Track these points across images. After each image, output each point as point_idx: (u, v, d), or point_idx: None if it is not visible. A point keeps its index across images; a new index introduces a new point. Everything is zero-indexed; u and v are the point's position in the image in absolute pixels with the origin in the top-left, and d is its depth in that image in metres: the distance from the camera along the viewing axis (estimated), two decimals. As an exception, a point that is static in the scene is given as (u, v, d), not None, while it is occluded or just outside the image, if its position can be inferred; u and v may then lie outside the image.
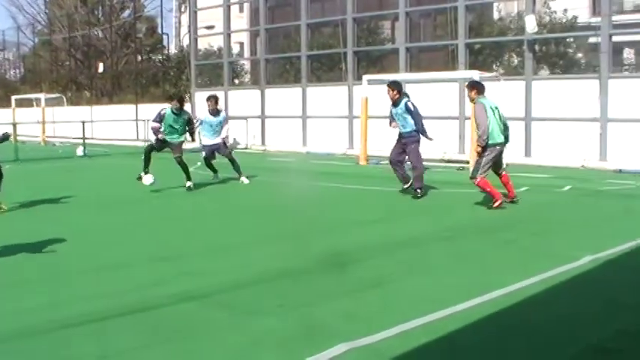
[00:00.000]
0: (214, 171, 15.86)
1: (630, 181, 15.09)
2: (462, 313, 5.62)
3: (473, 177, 11.22)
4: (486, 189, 11.17)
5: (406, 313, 5.55)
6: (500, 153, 11.45)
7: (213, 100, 15.92)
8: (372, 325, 5.29)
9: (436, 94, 21.73)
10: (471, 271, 7.19)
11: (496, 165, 11.42)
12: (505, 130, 11.43)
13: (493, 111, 11.22)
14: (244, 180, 15.27)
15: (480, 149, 11.18)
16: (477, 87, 11.56)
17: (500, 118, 11.34)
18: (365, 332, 5.09)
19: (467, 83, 12.05)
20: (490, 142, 11.09)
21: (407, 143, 12.70)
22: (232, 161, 15.54)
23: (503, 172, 11.63)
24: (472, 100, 11.51)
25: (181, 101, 14.25)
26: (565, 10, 25.14)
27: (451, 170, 17.94)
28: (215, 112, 15.75)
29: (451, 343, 5.06)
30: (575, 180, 15.26)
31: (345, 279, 6.89)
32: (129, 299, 6.11)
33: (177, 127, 14.08)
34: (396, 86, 12.92)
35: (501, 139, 11.30)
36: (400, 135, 12.91)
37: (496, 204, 10.96)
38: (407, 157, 12.94)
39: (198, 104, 31.31)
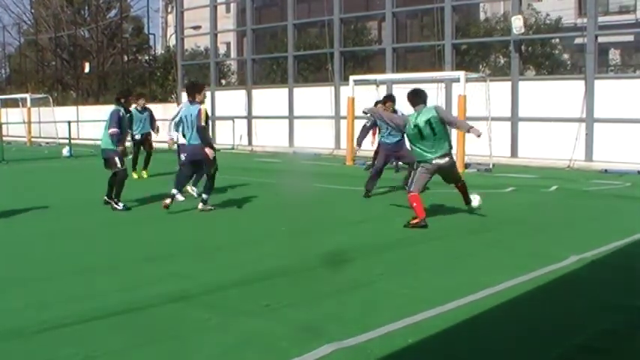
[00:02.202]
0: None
1: (615, 182, 15.17)
2: (450, 313, 5.63)
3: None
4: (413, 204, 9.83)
5: (394, 314, 5.56)
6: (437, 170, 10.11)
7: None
8: (360, 325, 5.29)
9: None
10: (459, 272, 7.21)
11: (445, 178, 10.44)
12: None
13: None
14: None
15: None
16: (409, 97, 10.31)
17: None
18: (352, 332, 5.10)
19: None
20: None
21: (398, 150, 12.85)
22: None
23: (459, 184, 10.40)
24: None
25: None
26: (548, 13, 25.27)
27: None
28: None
29: (439, 343, 5.07)
30: (561, 180, 15.33)
31: (332, 279, 6.89)
32: (115, 300, 6.09)
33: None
34: (392, 99, 13.11)
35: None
36: (386, 144, 12.95)
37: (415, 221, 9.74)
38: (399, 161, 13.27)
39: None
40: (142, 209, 11.62)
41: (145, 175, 16.60)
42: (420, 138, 9.79)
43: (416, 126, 9.80)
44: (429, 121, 9.73)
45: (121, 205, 11.24)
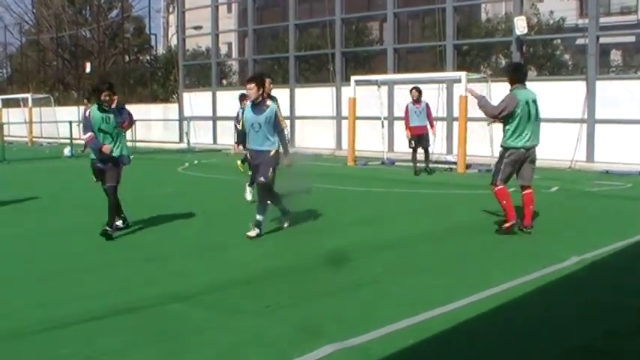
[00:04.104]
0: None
1: (617, 182, 15.15)
2: (450, 314, 5.62)
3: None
4: (502, 202, 9.18)
5: (394, 314, 5.55)
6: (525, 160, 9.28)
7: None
8: (360, 325, 5.28)
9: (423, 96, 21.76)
10: (459, 272, 7.20)
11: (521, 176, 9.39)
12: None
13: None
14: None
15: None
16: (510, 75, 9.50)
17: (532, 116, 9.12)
18: (352, 333, 5.09)
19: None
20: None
21: None
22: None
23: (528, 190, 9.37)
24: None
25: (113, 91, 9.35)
26: (551, 12, 25.27)
27: (439, 171, 17.94)
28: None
29: (439, 343, 5.06)
30: (563, 181, 15.31)
31: (332, 279, 6.88)
32: (115, 300, 6.08)
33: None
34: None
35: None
36: None
37: (506, 226, 9.13)
38: None
39: (186, 105, 31.32)
40: (142, 209, 11.61)
41: None
42: (527, 120, 9.00)
43: (527, 104, 9.00)
44: (535, 102, 9.11)
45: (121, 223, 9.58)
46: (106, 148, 8.93)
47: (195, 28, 33.45)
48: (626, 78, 22.29)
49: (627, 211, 11.58)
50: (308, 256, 7.90)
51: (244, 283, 6.73)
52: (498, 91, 19.99)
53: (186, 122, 29.38)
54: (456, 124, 19.54)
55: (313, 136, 25.70)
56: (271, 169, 9.05)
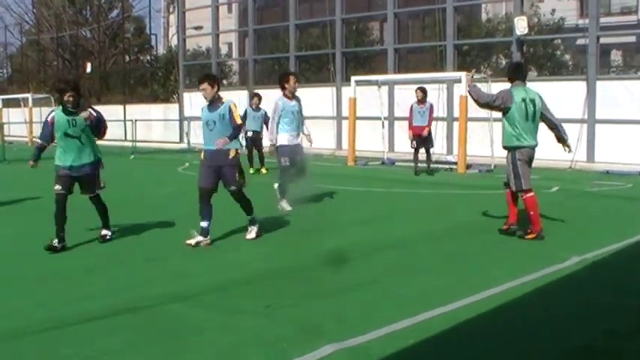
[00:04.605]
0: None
1: (617, 182, 15.15)
2: (450, 314, 5.62)
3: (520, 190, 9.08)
4: (530, 212, 8.94)
5: (394, 314, 5.55)
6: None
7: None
8: (360, 325, 5.28)
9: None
10: (459, 272, 7.20)
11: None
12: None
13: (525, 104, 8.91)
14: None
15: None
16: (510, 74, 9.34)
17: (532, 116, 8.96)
18: (353, 333, 5.09)
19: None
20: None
21: None
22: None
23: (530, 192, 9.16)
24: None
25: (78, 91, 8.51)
26: (553, 12, 25.27)
27: (439, 171, 17.94)
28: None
29: (439, 343, 5.06)
30: (563, 181, 15.30)
31: (332, 279, 6.88)
32: (116, 300, 6.09)
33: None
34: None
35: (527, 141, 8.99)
36: None
37: (531, 236, 8.81)
38: None
39: (186, 105, 31.31)
40: (142, 209, 11.61)
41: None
42: (526, 119, 8.86)
43: (524, 102, 8.84)
44: (534, 102, 8.92)
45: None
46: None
47: (196, 28, 33.44)
48: (627, 78, 22.28)
49: (627, 211, 11.58)
50: (308, 256, 7.90)
51: (244, 283, 6.72)
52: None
53: (186, 122, 29.38)
54: (456, 124, 19.54)
55: (313, 136, 25.66)
56: (237, 174, 8.76)
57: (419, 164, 16.99)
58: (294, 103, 11.46)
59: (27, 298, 6.29)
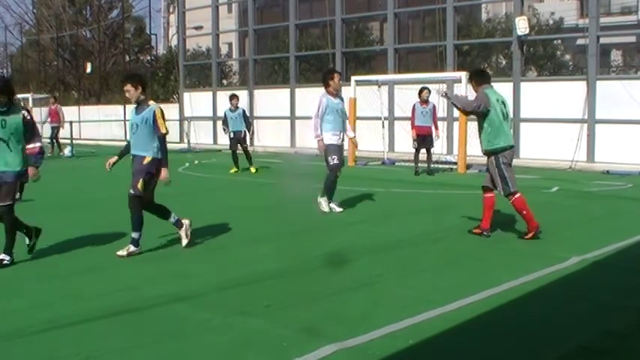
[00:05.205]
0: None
1: (617, 183, 15.15)
2: (451, 314, 5.62)
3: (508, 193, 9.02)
4: (522, 212, 8.97)
5: (395, 314, 5.55)
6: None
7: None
8: (360, 325, 5.28)
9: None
10: (460, 272, 7.20)
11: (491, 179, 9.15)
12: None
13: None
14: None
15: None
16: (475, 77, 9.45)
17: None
18: (353, 333, 5.09)
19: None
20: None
21: None
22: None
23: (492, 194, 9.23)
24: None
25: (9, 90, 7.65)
26: (552, 14, 25.28)
27: (439, 171, 17.94)
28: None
29: (439, 343, 5.07)
30: (563, 181, 15.31)
31: (333, 280, 6.89)
32: (115, 300, 6.09)
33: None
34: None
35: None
36: None
37: (529, 236, 8.82)
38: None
39: (186, 105, 31.31)
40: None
41: None
42: (504, 118, 8.85)
43: (498, 102, 8.85)
44: (504, 102, 9.00)
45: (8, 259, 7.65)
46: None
47: (196, 28, 33.46)
48: (627, 78, 22.30)
49: (627, 211, 11.57)
50: (308, 257, 7.90)
51: (244, 284, 6.72)
52: (499, 91, 20.06)
53: (186, 122, 29.41)
54: (456, 124, 19.55)
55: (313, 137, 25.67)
56: (142, 181, 7.99)
57: (419, 164, 16.98)
58: (337, 101, 11.15)
59: (27, 297, 6.29)
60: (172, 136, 32.02)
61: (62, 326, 5.39)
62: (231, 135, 17.77)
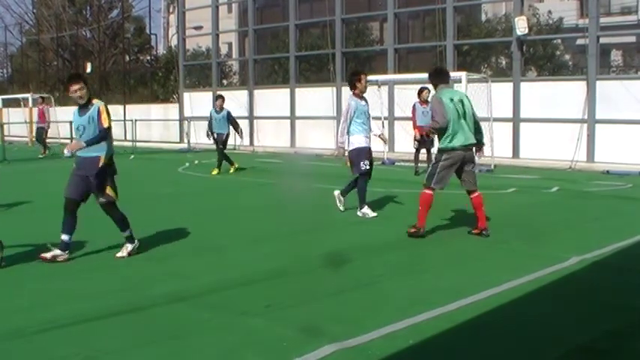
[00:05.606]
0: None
1: (617, 183, 15.15)
2: (451, 314, 5.62)
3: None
4: (420, 206, 9.05)
5: (394, 314, 5.55)
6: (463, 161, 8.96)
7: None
8: (360, 325, 5.28)
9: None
10: (460, 272, 7.20)
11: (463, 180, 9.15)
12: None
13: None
14: None
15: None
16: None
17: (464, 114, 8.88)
18: (353, 333, 5.09)
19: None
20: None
21: None
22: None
23: (476, 193, 9.14)
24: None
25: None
26: (550, 13, 25.27)
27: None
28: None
29: (439, 343, 5.07)
30: (563, 181, 15.31)
31: (333, 280, 6.88)
32: (115, 300, 6.08)
33: None
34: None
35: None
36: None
37: (412, 230, 8.98)
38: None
39: (186, 105, 31.32)
40: (142, 209, 11.61)
41: None
42: (457, 118, 8.77)
43: (452, 102, 8.80)
44: (462, 101, 8.91)
45: None
46: None
47: (196, 28, 33.47)
48: (627, 78, 22.31)
49: (627, 211, 11.58)
50: (308, 257, 7.90)
51: (244, 284, 6.72)
52: (498, 91, 20.11)
53: (186, 122, 29.41)
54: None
55: (313, 137, 25.71)
56: (109, 187, 7.81)
57: (419, 164, 16.98)
58: (364, 102, 10.83)
59: (27, 297, 6.28)
60: (172, 136, 32.15)
61: (62, 326, 5.38)
62: (215, 136, 17.64)
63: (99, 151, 7.72)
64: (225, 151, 17.77)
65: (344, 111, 10.89)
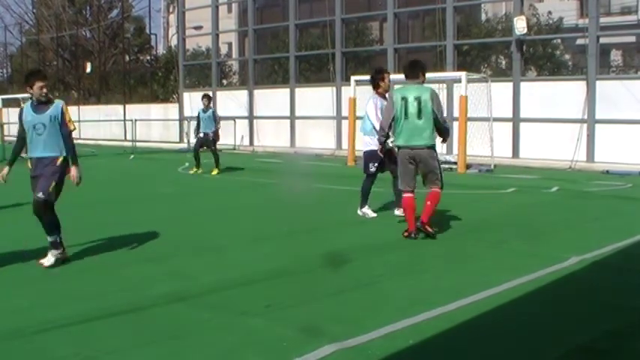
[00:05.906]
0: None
1: (617, 182, 15.16)
2: (451, 314, 5.62)
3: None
4: (405, 210, 9.04)
5: (394, 314, 5.55)
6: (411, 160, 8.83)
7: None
8: (360, 325, 5.28)
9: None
10: (459, 272, 7.20)
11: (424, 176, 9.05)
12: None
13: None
14: None
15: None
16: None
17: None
18: (353, 333, 5.08)
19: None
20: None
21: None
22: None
23: (432, 189, 9.05)
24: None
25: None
26: (550, 13, 25.28)
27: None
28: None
29: (439, 343, 5.06)
30: (563, 181, 15.32)
31: (333, 280, 6.88)
32: (115, 300, 6.08)
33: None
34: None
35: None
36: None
37: (405, 234, 8.89)
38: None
39: (186, 105, 31.31)
40: (142, 209, 11.61)
41: None
42: (405, 117, 8.65)
43: (404, 100, 8.68)
44: (419, 99, 8.62)
45: None
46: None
47: (196, 28, 33.46)
48: (626, 78, 22.31)
49: (627, 211, 11.58)
50: (308, 257, 7.90)
51: (244, 284, 6.72)
52: (498, 91, 20.12)
53: (186, 122, 29.40)
54: (456, 124, 19.53)
55: (313, 137, 25.71)
56: (54, 183, 7.47)
57: None
58: (386, 102, 10.10)
59: (27, 298, 6.28)
60: (172, 136, 32.15)
61: (62, 326, 5.38)
62: (201, 135, 17.59)
63: (57, 152, 7.59)
64: (219, 152, 17.72)
65: (370, 110, 10.46)
